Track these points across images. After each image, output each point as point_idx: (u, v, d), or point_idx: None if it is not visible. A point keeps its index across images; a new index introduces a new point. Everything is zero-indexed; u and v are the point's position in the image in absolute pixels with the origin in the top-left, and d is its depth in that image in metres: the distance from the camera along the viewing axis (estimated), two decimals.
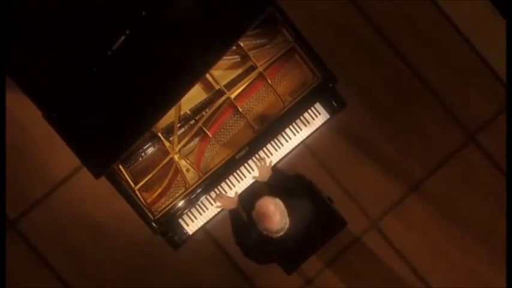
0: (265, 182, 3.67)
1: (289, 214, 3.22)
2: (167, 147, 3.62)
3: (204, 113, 3.67)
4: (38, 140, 4.36)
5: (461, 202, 4.59)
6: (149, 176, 3.62)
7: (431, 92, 4.61)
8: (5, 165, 4.24)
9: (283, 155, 3.77)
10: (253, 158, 3.71)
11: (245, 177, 3.75)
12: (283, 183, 3.59)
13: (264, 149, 3.73)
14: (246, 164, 3.72)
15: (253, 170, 3.74)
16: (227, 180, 3.73)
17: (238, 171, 3.73)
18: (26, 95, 3.30)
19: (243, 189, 3.74)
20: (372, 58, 4.58)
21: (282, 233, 3.21)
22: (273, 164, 3.72)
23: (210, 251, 4.46)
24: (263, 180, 3.67)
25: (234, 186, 3.75)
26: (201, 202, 3.71)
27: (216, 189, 3.71)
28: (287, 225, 3.21)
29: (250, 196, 3.63)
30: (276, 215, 3.15)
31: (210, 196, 3.72)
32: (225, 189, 3.74)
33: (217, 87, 3.66)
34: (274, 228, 3.17)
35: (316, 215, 3.50)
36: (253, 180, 3.73)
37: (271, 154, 3.74)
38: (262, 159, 3.70)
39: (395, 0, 4.58)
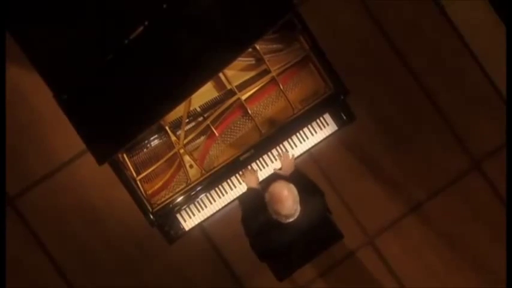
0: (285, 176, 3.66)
1: (301, 204, 3.23)
2: (173, 141, 3.63)
3: (213, 111, 3.68)
4: (46, 119, 4.37)
5: (459, 228, 4.58)
6: (152, 168, 3.64)
7: (441, 115, 4.60)
8: (5, 141, 4.26)
9: None
10: (277, 148, 3.70)
11: (260, 170, 3.75)
12: (303, 180, 3.58)
13: (269, 153, 3.73)
14: (249, 167, 3.72)
15: (267, 165, 3.73)
16: (229, 181, 3.73)
17: (240, 173, 3.73)
18: (39, 74, 3.31)
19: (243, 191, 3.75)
20: (387, 76, 4.58)
21: (291, 220, 3.21)
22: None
23: (204, 249, 4.45)
24: (285, 174, 3.66)
25: (235, 187, 3.75)
26: (201, 199, 3.71)
27: (216, 189, 3.72)
28: (297, 213, 3.21)
29: (267, 181, 3.64)
30: (288, 200, 3.15)
31: (210, 194, 3.73)
32: (225, 189, 3.75)
33: (229, 87, 3.67)
34: (284, 212, 3.16)
35: (321, 218, 3.50)
36: (274, 171, 3.71)
37: (276, 159, 3.75)
38: (286, 152, 3.71)
39: (417, 22, 4.59)
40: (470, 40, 4.62)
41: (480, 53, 4.62)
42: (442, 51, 4.62)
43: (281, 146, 3.73)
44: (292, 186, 3.20)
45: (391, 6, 4.56)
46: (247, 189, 3.67)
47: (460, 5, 4.59)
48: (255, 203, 3.48)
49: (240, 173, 3.71)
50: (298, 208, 3.21)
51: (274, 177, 3.63)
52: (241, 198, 3.70)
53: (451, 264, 4.57)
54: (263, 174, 3.76)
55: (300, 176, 3.65)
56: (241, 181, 3.73)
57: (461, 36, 4.61)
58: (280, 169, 3.71)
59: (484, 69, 4.62)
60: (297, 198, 3.20)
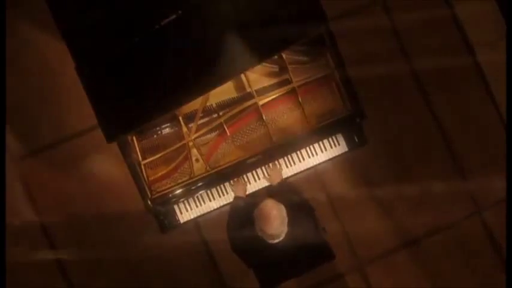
0: (274, 186, 3.69)
1: (289, 225, 3.20)
2: (184, 132, 3.65)
3: (228, 110, 3.69)
4: (65, 90, 4.40)
5: (451, 272, 4.55)
6: (158, 155, 3.66)
7: (454, 158, 4.59)
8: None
9: (292, 173, 3.79)
10: (284, 158, 3.74)
11: (249, 183, 3.76)
12: (290, 195, 3.57)
13: (276, 162, 3.74)
14: (253, 172, 3.74)
15: (259, 179, 3.75)
16: (231, 181, 3.74)
17: (244, 176, 3.74)
18: (66, 44, 3.34)
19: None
20: (407, 110, 4.57)
21: (276, 241, 3.19)
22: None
23: (195, 244, 4.45)
24: (272, 183, 3.68)
25: None
26: (200, 195, 3.73)
27: (218, 187, 3.73)
28: (283, 235, 3.18)
29: (258, 197, 3.65)
30: (276, 220, 3.12)
31: (211, 192, 3.74)
32: (227, 189, 3.76)
33: (248, 89, 3.69)
34: (270, 231, 3.13)
35: (311, 239, 3.48)
36: (264, 179, 3.74)
37: (281, 170, 3.75)
38: (276, 164, 3.72)
39: (445, 61, 4.58)
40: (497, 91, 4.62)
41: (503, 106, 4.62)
42: (472, 102, 4.61)
43: (289, 156, 3.73)
44: (282, 208, 3.16)
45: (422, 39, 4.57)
46: (234, 198, 3.67)
47: (488, 54, 4.60)
48: (242, 215, 3.45)
49: (235, 179, 3.72)
50: (285, 230, 3.18)
51: (266, 194, 3.64)
52: (230, 209, 3.67)
53: None
54: (261, 184, 3.77)
55: (289, 189, 3.65)
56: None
57: (488, 85, 4.61)
58: (268, 176, 3.73)
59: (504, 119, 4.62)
60: (285, 220, 3.16)
